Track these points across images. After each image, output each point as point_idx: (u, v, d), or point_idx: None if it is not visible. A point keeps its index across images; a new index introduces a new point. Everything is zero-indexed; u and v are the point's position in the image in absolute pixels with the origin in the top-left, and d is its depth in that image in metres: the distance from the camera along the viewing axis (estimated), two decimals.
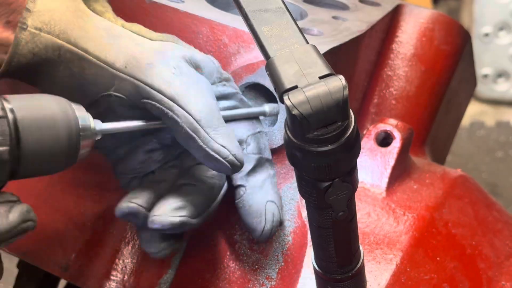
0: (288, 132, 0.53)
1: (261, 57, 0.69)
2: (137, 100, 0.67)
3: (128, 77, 0.66)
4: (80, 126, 0.61)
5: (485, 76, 2.62)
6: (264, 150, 0.74)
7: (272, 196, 0.73)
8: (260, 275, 0.74)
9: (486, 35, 2.60)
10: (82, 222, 0.83)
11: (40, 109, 0.59)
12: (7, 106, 0.57)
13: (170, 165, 0.73)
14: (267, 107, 0.75)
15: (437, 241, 0.76)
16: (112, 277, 0.81)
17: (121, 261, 0.81)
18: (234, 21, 0.80)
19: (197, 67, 0.70)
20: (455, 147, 1.32)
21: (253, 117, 0.74)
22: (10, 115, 0.57)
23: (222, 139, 0.66)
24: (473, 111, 2.58)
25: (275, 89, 0.53)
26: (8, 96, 0.58)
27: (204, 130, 0.66)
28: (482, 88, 2.60)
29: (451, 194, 0.82)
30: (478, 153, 2.43)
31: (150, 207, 0.70)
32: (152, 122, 0.68)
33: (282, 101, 0.51)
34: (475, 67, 1.10)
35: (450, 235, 0.78)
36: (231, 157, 0.66)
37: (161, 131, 0.72)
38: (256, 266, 0.75)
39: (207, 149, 0.66)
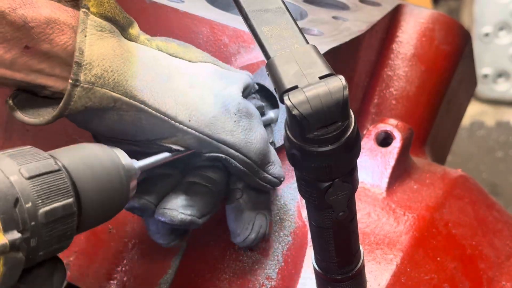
0: (288, 132, 0.52)
1: (261, 57, 0.70)
2: (198, 151, 0.67)
3: (193, 132, 0.65)
4: (125, 167, 0.61)
5: (485, 76, 2.62)
6: None
7: (265, 208, 0.74)
8: (260, 275, 0.74)
9: (486, 35, 2.60)
10: None
11: (89, 159, 0.58)
12: (59, 162, 0.56)
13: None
14: (272, 114, 0.76)
15: (437, 241, 0.76)
16: (112, 277, 0.81)
17: (121, 261, 0.81)
18: (234, 21, 0.80)
19: (243, 91, 0.71)
20: (455, 147, 1.32)
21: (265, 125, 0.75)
22: (63, 169, 0.56)
23: (274, 170, 0.71)
24: (473, 111, 2.58)
25: (275, 89, 0.53)
26: (55, 152, 0.57)
27: (262, 169, 0.70)
28: (482, 88, 2.60)
29: (451, 194, 0.82)
30: (478, 153, 2.43)
31: (158, 201, 0.70)
32: (182, 152, 0.68)
33: (282, 101, 0.51)
34: (475, 67, 1.10)
35: (450, 235, 0.78)
36: (280, 183, 0.72)
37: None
38: (256, 266, 0.75)
39: (261, 182, 0.70)
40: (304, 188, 0.55)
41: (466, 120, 2.52)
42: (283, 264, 0.74)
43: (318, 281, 0.64)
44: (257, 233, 0.72)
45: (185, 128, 0.65)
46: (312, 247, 0.62)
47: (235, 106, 0.68)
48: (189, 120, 0.65)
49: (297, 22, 0.57)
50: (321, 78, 0.52)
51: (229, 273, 0.76)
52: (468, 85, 1.11)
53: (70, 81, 0.60)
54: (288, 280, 0.73)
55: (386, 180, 0.79)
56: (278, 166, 0.71)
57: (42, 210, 0.53)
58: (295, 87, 0.52)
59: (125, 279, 0.80)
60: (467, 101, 1.16)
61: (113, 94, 0.62)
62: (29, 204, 0.52)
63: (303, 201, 0.60)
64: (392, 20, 0.95)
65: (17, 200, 0.52)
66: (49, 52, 0.61)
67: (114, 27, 0.64)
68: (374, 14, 0.92)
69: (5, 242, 0.51)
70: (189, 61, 0.69)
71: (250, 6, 0.57)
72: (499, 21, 2.59)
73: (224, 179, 0.71)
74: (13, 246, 0.51)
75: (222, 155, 0.67)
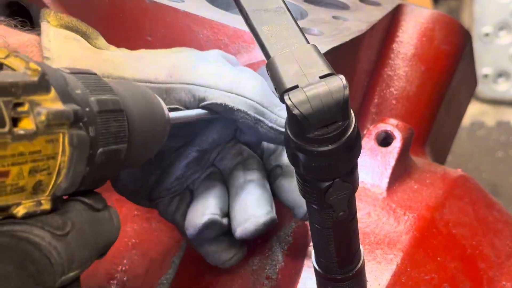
0: (288, 132, 0.52)
1: (261, 57, 0.69)
2: (195, 105, 0.64)
3: (178, 85, 0.63)
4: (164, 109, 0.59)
5: (485, 76, 2.62)
6: None
7: None
8: (260, 275, 0.74)
9: (486, 35, 2.60)
10: None
11: (137, 92, 0.57)
12: (117, 96, 0.53)
13: (209, 173, 0.70)
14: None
15: (437, 241, 0.76)
16: (112, 277, 0.81)
17: (121, 261, 0.81)
18: (234, 21, 0.80)
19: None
20: (455, 147, 1.32)
21: None
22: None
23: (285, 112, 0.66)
24: (473, 111, 2.58)
25: (275, 88, 0.53)
26: (108, 81, 0.55)
27: (271, 111, 0.64)
28: (482, 88, 2.60)
29: (452, 194, 0.82)
30: (478, 153, 2.43)
31: (223, 213, 0.67)
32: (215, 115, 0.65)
33: (283, 101, 0.51)
34: (475, 67, 1.10)
35: (450, 235, 0.78)
36: None
37: (201, 136, 0.69)
38: (256, 266, 0.75)
39: (277, 127, 0.64)
40: (304, 188, 0.55)
41: (466, 120, 2.52)
42: (283, 264, 0.74)
43: (318, 281, 0.64)
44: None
45: (169, 85, 0.63)
46: (312, 247, 0.62)
47: (213, 57, 0.66)
48: (171, 77, 0.63)
49: (298, 22, 0.57)
50: (321, 77, 0.52)
51: (229, 273, 0.76)
52: (468, 85, 1.11)
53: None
54: (288, 280, 0.73)
55: (386, 180, 0.79)
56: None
57: (93, 97, 0.50)
58: (296, 87, 0.52)
59: (125, 278, 0.80)
60: (467, 101, 1.16)
61: None
62: (79, 91, 0.49)
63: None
64: (392, 20, 0.95)
65: (66, 81, 0.49)
66: None
67: (78, 35, 0.64)
68: (374, 14, 0.92)
69: (68, 109, 0.46)
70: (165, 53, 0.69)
71: (251, 5, 0.57)
72: (499, 21, 2.59)
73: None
74: (76, 117, 0.47)
75: (217, 101, 0.63)
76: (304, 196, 0.56)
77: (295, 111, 0.50)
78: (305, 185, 0.55)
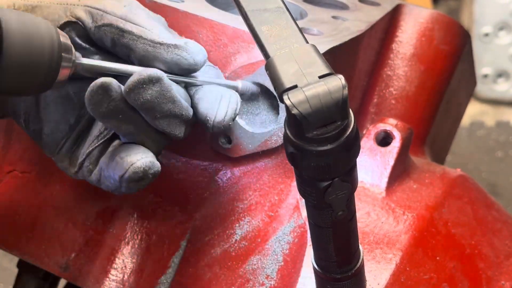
0: (287, 131, 0.53)
1: (260, 57, 0.70)
2: (93, 28, 0.68)
3: (81, 5, 0.69)
4: (62, 48, 0.62)
5: (485, 76, 2.62)
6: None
7: (230, 91, 0.71)
8: (260, 275, 0.74)
9: (486, 35, 2.60)
10: (82, 222, 0.83)
11: (28, 23, 0.59)
12: None
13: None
14: (240, 84, 0.74)
15: (436, 240, 0.76)
16: (111, 277, 0.81)
17: (120, 261, 0.81)
18: (234, 21, 0.80)
19: None
20: (455, 147, 1.32)
21: None
22: None
23: (179, 40, 0.69)
24: (473, 111, 2.58)
25: (274, 88, 0.53)
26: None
27: (160, 37, 0.68)
28: (482, 88, 2.61)
29: (451, 194, 0.82)
30: (478, 153, 2.43)
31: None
32: (128, 65, 0.68)
33: (282, 101, 0.51)
34: (475, 67, 1.10)
35: (449, 235, 0.78)
36: (189, 55, 0.68)
37: None
38: (256, 266, 0.75)
39: (176, 51, 0.68)
40: (303, 187, 0.55)
41: (466, 120, 2.52)
42: (282, 263, 0.74)
43: (317, 281, 0.64)
44: (227, 108, 0.69)
45: (73, 4, 0.69)
46: (311, 247, 0.62)
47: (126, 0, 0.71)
48: (79, 0, 0.70)
49: (297, 22, 0.57)
50: (320, 77, 0.52)
51: (229, 273, 0.76)
52: (468, 85, 1.11)
53: None
54: (287, 279, 0.73)
55: (385, 179, 0.79)
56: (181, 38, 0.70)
57: None
58: (295, 87, 0.52)
59: (125, 278, 0.80)
60: (467, 101, 1.16)
61: (8, 1, 0.67)
62: None
63: (303, 200, 0.60)
64: (392, 20, 0.95)
65: None
66: None
67: None
68: (374, 14, 0.92)
69: None
70: None
71: (250, 5, 0.57)
72: (499, 21, 2.60)
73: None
74: None
75: (116, 25, 0.68)
76: (303, 196, 0.56)
77: (294, 111, 0.50)
78: (304, 184, 0.55)
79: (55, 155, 0.73)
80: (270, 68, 0.54)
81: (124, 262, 0.81)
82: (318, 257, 0.62)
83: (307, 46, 0.55)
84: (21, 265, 1.02)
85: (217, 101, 0.69)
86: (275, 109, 0.78)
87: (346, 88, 0.51)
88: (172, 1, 0.82)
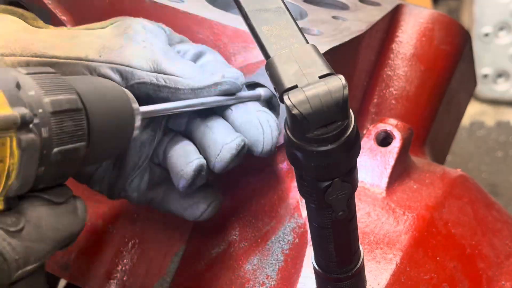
0: (288, 131, 0.53)
1: (261, 57, 0.69)
2: (125, 84, 0.68)
3: (106, 64, 0.67)
4: (134, 108, 0.61)
5: (485, 76, 2.62)
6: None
7: (261, 108, 0.72)
8: (260, 275, 0.74)
9: (486, 35, 2.60)
10: None
11: (101, 88, 0.58)
12: (75, 94, 0.54)
13: (169, 139, 0.73)
14: (262, 91, 0.75)
15: (436, 240, 0.76)
16: (112, 277, 0.81)
17: (121, 261, 0.81)
18: (234, 21, 0.80)
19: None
20: (455, 147, 1.32)
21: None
22: (81, 105, 0.54)
23: (210, 76, 0.69)
24: (473, 111, 2.58)
25: (275, 88, 0.53)
26: (69, 79, 0.56)
27: (193, 80, 0.68)
28: (482, 88, 2.60)
29: (451, 194, 0.82)
30: (478, 153, 2.43)
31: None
32: (178, 102, 0.68)
33: (282, 101, 0.51)
34: (475, 67, 1.10)
35: (449, 235, 0.78)
36: (228, 80, 0.69)
37: None
38: (256, 266, 0.75)
39: (206, 84, 0.68)
40: (304, 188, 0.55)
41: (466, 120, 2.52)
42: (283, 263, 0.74)
43: (318, 281, 0.64)
44: (271, 132, 0.70)
45: (99, 63, 0.66)
46: (312, 247, 0.62)
47: (141, 36, 0.69)
48: (100, 56, 0.67)
49: (297, 22, 0.57)
50: (320, 77, 0.52)
51: (229, 273, 0.76)
52: (468, 85, 1.11)
53: None
54: (288, 279, 0.73)
55: (385, 179, 0.79)
56: (205, 71, 0.70)
57: (47, 98, 0.51)
58: (295, 87, 0.52)
59: (125, 278, 0.80)
60: (467, 101, 1.16)
61: (23, 58, 0.63)
62: (32, 92, 0.50)
63: (303, 200, 0.60)
64: (392, 20, 0.95)
65: (18, 84, 0.50)
66: None
67: (15, 17, 0.67)
68: (374, 14, 0.92)
69: (14, 114, 0.47)
70: (101, 27, 0.71)
71: (250, 5, 0.57)
72: (499, 21, 2.59)
73: None
74: (24, 121, 0.48)
75: (145, 79, 0.67)
76: (303, 196, 0.56)
77: (295, 111, 0.50)
78: (305, 184, 0.55)
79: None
80: (270, 68, 0.54)
81: (124, 262, 0.81)
82: (318, 257, 0.62)
83: (307, 46, 0.55)
84: None
85: (259, 130, 0.69)
86: (275, 109, 0.78)
87: (347, 88, 0.51)
88: (172, 1, 0.82)
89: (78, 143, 0.54)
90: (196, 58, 0.74)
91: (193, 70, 0.69)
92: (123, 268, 0.81)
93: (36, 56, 0.64)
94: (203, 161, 0.68)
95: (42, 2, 0.84)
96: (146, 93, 0.68)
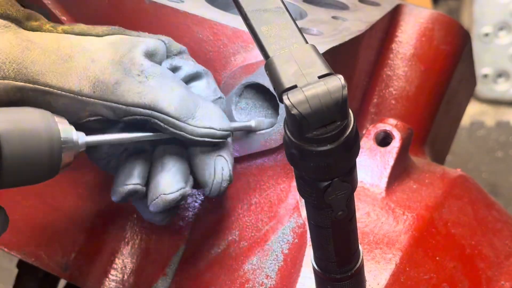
0: (287, 131, 0.53)
1: (260, 57, 0.70)
2: (116, 119, 0.68)
3: (101, 102, 0.67)
4: (62, 139, 0.62)
5: (485, 76, 2.62)
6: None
7: (224, 152, 0.73)
8: (260, 274, 0.74)
9: (486, 35, 2.60)
10: (82, 222, 0.83)
11: (22, 122, 0.59)
12: None
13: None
14: (253, 123, 0.76)
15: (436, 240, 0.76)
16: (111, 277, 0.81)
17: (120, 261, 0.81)
18: (234, 21, 0.80)
19: (151, 56, 0.71)
20: (455, 147, 1.32)
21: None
22: None
23: (204, 120, 0.70)
24: (473, 111, 2.58)
25: (274, 88, 0.53)
26: None
27: (186, 123, 0.69)
28: (482, 88, 2.60)
29: (451, 194, 0.82)
30: (478, 153, 2.43)
31: (144, 181, 0.72)
32: (138, 134, 0.70)
33: (281, 101, 0.51)
34: (475, 67, 1.10)
35: (449, 235, 0.78)
36: (219, 133, 0.71)
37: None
38: (256, 266, 0.75)
39: (196, 138, 0.70)
40: (303, 188, 0.55)
41: (466, 120, 2.52)
42: (282, 263, 0.74)
43: (317, 281, 0.64)
44: (221, 177, 0.72)
45: (92, 100, 0.67)
46: (311, 247, 0.62)
47: (137, 68, 0.69)
48: (94, 92, 0.67)
49: (297, 22, 0.57)
50: (320, 77, 0.52)
51: (229, 272, 0.76)
52: (468, 85, 1.11)
53: None
54: (287, 279, 0.73)
55: (385, 179, 0.79)
56: (209, 115, 0.71)
57: None
58: (294, 87, 0.52)
59: (124, 278, 0.80)
60: (467, 101, 1.16)
61: (16, 83, 0.63)
62: None
63: (303, 200, 0.60)
64: (392, 20, 0.95)
65: None
66: None
67: (8, 22, 0.66)
68: (374, 14, 0.92)
69: None
70: (97, 35, 0.70)
71: (249, 5, 0.57)
72: (499, 21, 2.59)
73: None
74: None
75: (137, 116, 0.68)
76: (303, 196, 0.56)
77: (294, 111, 0.50)
78: (304, 184, 0.55)
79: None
80: (269, 68, 0.54)
81: (123, 262, 0.81)
82: (318, 257, 0.62)
83: (307, 46, 0.55)
84: (21, 265, 1.03)
85: (210, 176, 0.72)
86: (275, 109, 0.78)
87: (346, 88, 0.51)
88: (172, 1, 0.82)
89: None
90: (190, 79, 0.75)
91: (188, 111, 0.69)
92: (123, 267, 0.81)
93: (30, 83, 0.64)
94: (138, 188, 0.71)
95: (41, 2, 0.84)
96: (141, 123, 0.69)
